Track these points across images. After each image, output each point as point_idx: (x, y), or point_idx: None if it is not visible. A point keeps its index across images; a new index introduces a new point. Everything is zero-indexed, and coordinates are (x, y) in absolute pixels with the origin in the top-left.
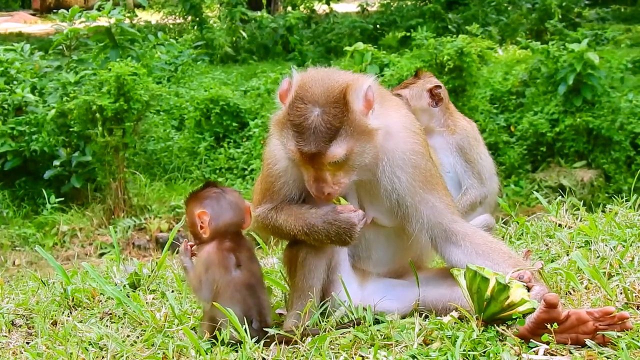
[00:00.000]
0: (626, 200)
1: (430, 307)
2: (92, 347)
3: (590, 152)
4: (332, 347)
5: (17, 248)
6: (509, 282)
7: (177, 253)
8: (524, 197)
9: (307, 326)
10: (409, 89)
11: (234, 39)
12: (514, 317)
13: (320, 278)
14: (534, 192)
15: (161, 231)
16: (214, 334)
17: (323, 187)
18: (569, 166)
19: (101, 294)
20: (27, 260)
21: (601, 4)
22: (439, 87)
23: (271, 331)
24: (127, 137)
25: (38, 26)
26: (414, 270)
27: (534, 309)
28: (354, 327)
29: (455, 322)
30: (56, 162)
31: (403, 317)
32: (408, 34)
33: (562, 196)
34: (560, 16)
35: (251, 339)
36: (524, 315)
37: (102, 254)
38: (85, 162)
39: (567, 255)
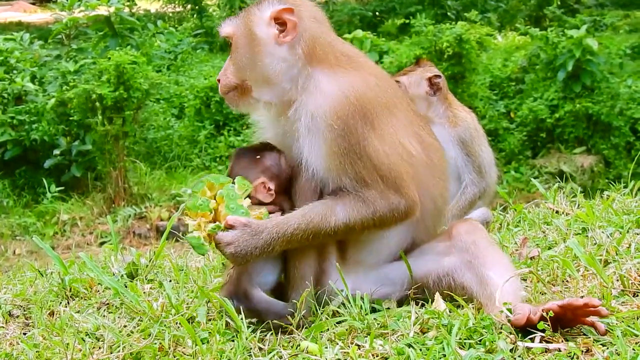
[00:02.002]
0: (625, 187)
1: (421, 284)
2: (89, 337)
3: (590, 138)
4: (329, 336)
5: (17, 237)
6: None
7: (176, 242)
8: (525, 184)
9: (303, 316)
10: (408, 76)
11: None
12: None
13: (312, 267)
14: (532, 179)
15: (162, 220)
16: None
17: (221, 72)
18: (568, 152)
19: (99, 284)
20: (28, 250)
21: None
22: (439, 76)
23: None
24: (127, 126)
25: (37, 15)
26: (405, 261)
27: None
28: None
29: (450, 311)
30: (56, 151)
31: (397, 302)
32: (407, 21)
33: (561, 182)
34: (559, 2)
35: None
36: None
37: (102, 243)
38: (85, 151)
39: (564, 242)
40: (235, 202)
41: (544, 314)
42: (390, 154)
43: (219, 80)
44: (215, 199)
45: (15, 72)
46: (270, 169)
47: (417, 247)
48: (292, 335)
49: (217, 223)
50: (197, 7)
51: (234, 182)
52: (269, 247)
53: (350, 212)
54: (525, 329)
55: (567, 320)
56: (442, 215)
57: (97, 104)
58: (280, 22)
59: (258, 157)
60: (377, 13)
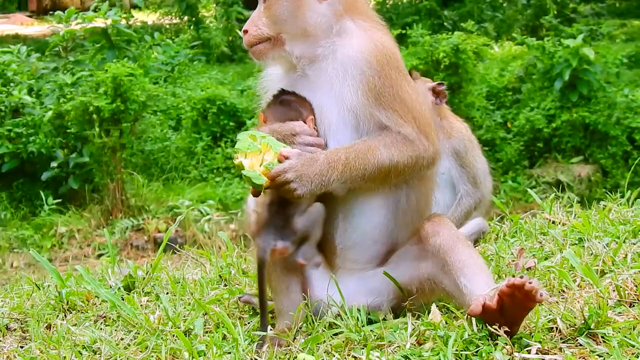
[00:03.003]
0: (622, 196)
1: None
2: (86, 350)
3: (587, 148)
4: (325, 348)
5: (15, 250)
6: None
7: (173, 254)
8: (522, 194)
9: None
10: None
11: (230, 38)
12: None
13: (295, 274)
14: (528, 189)
15: (159, 231)
16: None
17: (249, 23)
18: (566, 162)
19: (96, 296)
20: (25, 263)
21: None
22: (442, 84)
23: (262, 332)
24: (125, 138)
25: (34, 28)
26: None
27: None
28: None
29: (446, 322)
30: (53, 164)
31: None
32: (404, 31)
33: (557, 192)
34: (555, 12)
35: None
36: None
37: (100, 255)
38: (82, 163)
39: (561, 252)
40: (281, 146)
41: (498, 296)
42: (420, 102)
43: (245, 32)
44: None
45: (12, 84)
46: (312, 107)
47: (394, 252)
48: (289, 348)
49: (271, 160)
50: (193, 19)
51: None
52: (325, 176)
53: (392, 149)
54: (499, 324)
55: (518, 302)
56: (424, 214)
57: (95, 116)
58: None
59: (303, 97)
60: None
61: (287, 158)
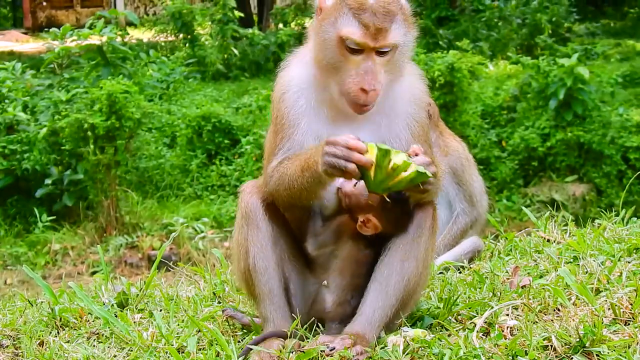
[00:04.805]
0: (617, 215)
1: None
2: None
3: (582, 167)
4: None
5: (8, 267)
6: (388, 148)
7: (166, 271)
8: (516, 212)
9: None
10: None
11: (225, 56)
12: (401, 184)
13: (277, 279)
14: (523, 207)
15: (153, 249)
16: None
17: (371, 80)
18: (560, 180)
19: (89, 313)
20: (19, 280)
21: (591, 19)
22: (428, 104)
23: (255, 348)
24: (119, 155)
25: (30, 45)
26: None
27: (419, 172)
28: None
29: (441, 339)
30: (48, 181)
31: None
32: None
33: (552, 211)
34: (550, 31)
35: None
36: (412, 180)
37: (94, 272)
38: (77, 180)
39: (556, 271)
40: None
41: None
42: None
43: (373, 90)
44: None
45: (7, 101)
46: None
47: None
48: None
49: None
50: (189, 36)
51: None
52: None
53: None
54: None
55: None
56: None
57: (89, 133)
58: None
59: None
60: None
61: (417, 154)
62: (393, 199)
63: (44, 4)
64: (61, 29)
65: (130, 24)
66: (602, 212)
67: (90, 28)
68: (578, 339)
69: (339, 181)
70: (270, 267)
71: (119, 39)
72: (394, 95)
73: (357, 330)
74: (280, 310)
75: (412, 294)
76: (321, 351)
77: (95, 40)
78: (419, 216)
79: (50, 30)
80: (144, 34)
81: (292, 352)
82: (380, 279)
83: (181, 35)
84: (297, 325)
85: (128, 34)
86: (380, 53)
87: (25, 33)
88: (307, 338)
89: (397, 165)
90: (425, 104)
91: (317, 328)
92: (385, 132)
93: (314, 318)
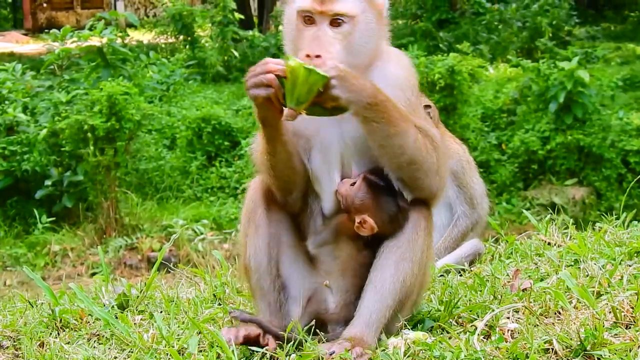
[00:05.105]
0: (617, 218)
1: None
2: None
3: (582, 170)
4: None
5: (8, 268)
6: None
7: (166, 273)
8: (516, 215)
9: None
10: None
11: (225, 58)
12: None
13: (269, 280)
14: (523, 210)
15: (153, 251)
16: None
17: (315, 46)
18: (560, 184)
19: (89, 314)
20: (19, 281)
21: (591, 23)
22: (428, 106)
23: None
24: (119, 157)
25: (30, 46)
26: None
27: (326, 76)
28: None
29: (441, 342)
30: (48, 182)
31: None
32: None
33: (553, 214)
34: (550, 35)
35: None
36: (313, 83)
37: (93, 274)
38: (76, 181)
39: (556, 274)
40: None
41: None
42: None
43: (318, 56)
44: None
45: (7, 102)
46: None
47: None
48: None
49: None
50: (189, 38)
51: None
52: (363, 92)
53: (420, 136)
54: None
55: None
56: None
57: (89, 134)
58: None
59: None
60: None
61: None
62: (385, 196)
63: (44, 5)
64: (61, 30)
65: (130, 25)
66: (603, 215)
67: (90, 29)
68: (579, 342)
69: (336, 181)
70: (262, 267)
71: (119, 40)
72: (375, 80)
73: (354, 333)
74: (270, 308)
75: (410, 295)
76: (322, 355)
77: (95, 41)
78: (414, 218)
79: (51, 31)
80: (144, 36)
81: (290, 355)
82: (375, 281)
83: (181, 37)
84: (296, 327)
85: (128, 35)
86: (335, 24)
87: (26, 34)
88: (306, 341)
89: (307, 74)
90: (411, 84)
91: (317, 330)
92: None
93: (314, 320)
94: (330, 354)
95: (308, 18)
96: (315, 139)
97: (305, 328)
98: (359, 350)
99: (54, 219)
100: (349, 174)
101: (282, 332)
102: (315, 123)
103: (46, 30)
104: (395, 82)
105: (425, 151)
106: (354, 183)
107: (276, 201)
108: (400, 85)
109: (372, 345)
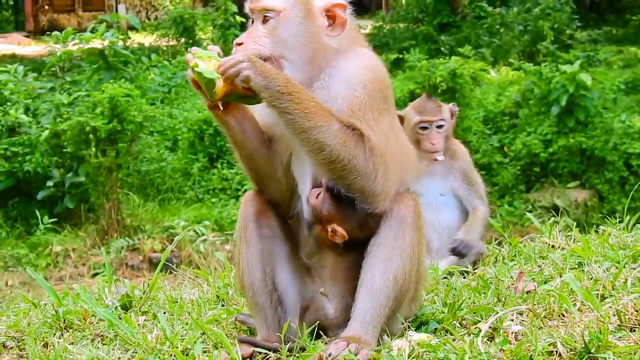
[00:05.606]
0: (620, 221)
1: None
2: None
3: (584, 173)
4: None
5: (10, 269)
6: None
7: (169, 274)
8: (518, 218)
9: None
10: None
11: None
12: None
13: (263, 295)
14: (526, 212)
15: (154, 251)
16: None
17: (245, 37)
18: (562, 186)
19: (93, 315)
20: (20, 281)
21: (593, 26)
22: (455, 105)
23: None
24: (121, 158)
25: (31, 48)
26: None
27: (211, 79)
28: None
29: (446, 344)
30: (49, 183)
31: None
32: (401, 55)
33: (555, 216)
34: (552, 38)
35: None
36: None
37: (95, 274)
38: (78, 182)
39: (560, 276)
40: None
41: None
42: (389, 138)
43: (240, 44)
44: None
45: (9, 104)
46: None
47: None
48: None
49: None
50: (190, 40)
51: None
52: (275, 79)
53: (342, 133)
54: None
55: None
56: None
57: (91, 136)
58: (330, 15)
59: None
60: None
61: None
62: (349, 203)
63: (46, 7)
64: (63, 32)
65: (131, 28)
66: (607, 218)
67: (92, 32)
68: (583, 345)
69: (309, 188)
70: (256, 283)
71: (120, 42)
72: (326, 76)
73: (351, 334)
74: (267, 322)
75: (406, 291)
76: (320, 355)
77: (97, 44)
78: (400, 214)
79: (52, 33)
80: (145, 38)
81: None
82: (365, 281)
83: (183, 40)
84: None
85: (130, 38)
86: (265, 20)
87: (27, 36)
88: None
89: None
90: (363, 81)
91: (321, 332)
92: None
93: (315, 328)
94: (328, 355)
95: (250, 17)
96: (291, 144)
97: (307, 332)
98: (354, 346)
99: (55, 219)
100: (320, 180)
101: (279, 345)
102: None
103: (48, 33)
104: (344, 77)
105: (351, 150)
106: (319, 194)
107: (268, 215)
108: (348, 80)
109: (371, 344)
